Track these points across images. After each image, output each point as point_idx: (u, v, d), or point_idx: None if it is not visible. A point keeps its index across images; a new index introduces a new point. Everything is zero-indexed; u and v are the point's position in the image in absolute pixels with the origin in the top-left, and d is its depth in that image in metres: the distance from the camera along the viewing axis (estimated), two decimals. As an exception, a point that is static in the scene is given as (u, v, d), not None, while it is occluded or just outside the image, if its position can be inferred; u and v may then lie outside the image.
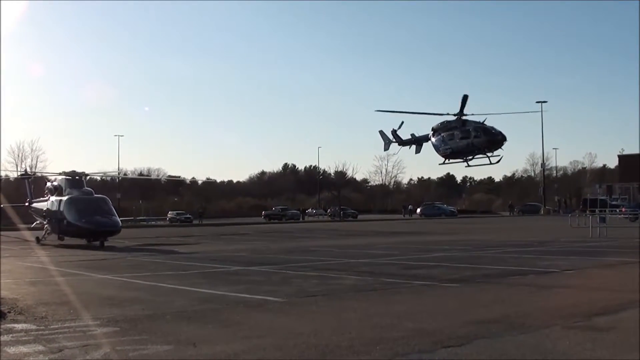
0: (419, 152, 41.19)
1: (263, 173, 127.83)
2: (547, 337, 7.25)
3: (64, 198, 29.14)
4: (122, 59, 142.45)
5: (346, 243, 27.73)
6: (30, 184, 37.81)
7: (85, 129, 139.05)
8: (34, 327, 8.31)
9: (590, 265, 16.20)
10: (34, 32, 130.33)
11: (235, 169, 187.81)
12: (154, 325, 8.28)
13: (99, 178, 64.44)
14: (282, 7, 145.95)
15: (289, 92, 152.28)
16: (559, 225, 42.56)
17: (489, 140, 35.60)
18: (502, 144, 35.94)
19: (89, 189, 30.92)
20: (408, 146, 41.93)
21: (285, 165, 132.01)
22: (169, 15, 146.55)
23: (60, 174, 32.15)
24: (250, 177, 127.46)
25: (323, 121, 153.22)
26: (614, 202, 59.35)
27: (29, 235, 32.12)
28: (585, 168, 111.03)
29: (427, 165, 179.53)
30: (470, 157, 37.40)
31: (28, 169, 58.91)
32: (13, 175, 73.67)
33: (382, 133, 43.48)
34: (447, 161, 38.80)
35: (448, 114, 36.61)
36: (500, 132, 35.66)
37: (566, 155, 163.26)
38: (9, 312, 9.41)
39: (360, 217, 77.48)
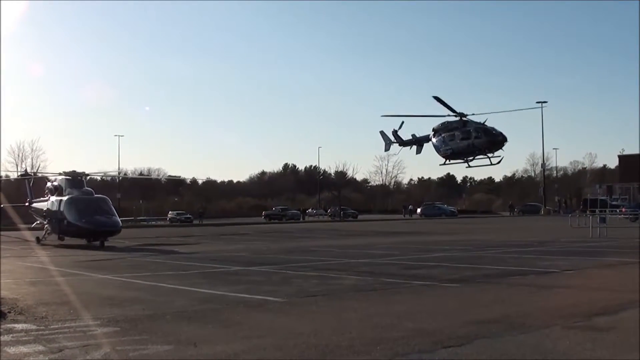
0: (419, 152, 41.20)
1: (263, 173, 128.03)
2: (547, 337, 7.26)
3: (64, 198, 29.15)
4: (122, 59, 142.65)
5: (346, 243, 27.74)
6: (31, 184, 37.79)
7: (85, 129, 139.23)
8: (34, 327, 8.32)
9: (591, 266, 16.21)
10: (34, 32, 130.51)
11: (236, 169, 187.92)
12: (154, 325, 8.28)
13: (99, 178, 64.49)
14: (282, 7, 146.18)
15: (289, 92, 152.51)
16: (559, 225, 42.56)
17: (489, 141, 35.58)
18: (503, 145, 35.92)
19: (89, 189, 30.93)
20: (409, 147, 41.91)
21: (286, 165, 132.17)
22: (169, 15, 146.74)
23: (60, 174, 32.17)
24: (250, 177, 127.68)
25: (323, 121, 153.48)
26: (614, 202, 59.36)
27: (29, 235, 32.13)
28: (585, 168, 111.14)
29: (428, 165, 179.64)
30: (471, 158, 37.38)
31: (28, 169, 58.99)
32: (13, 175, 73.86)
33: (382, 133, 43.47)
34: (447, 162, 38.79)
35: (449, 115, 36.61)
36: (501, 133, 35.65)
37: (566, 155, 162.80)
38: (9, 312, 9.42)
39: (360, 217, 77.48)
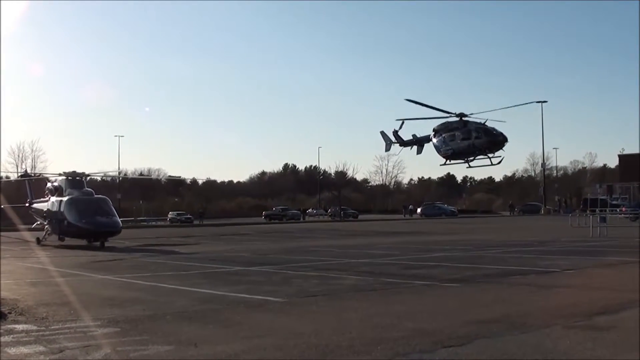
0: (420, 152, 41.15)
1: (263, 173, 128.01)
2: (547, 337, 7.26)
3: (65, 199, 29.15)
4: (122, 59, 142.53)
5: (346, 243, 27.74)
6: (31, 184, 37.79)
7: (85, 129, 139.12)
8: (34, 327, 8.32)
9: (591, 265, 16.21)
10: (34, 32, 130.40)
11: (236, 169, 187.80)
12: (154, 326, 8.29)
13: (99, 178, 64.52)
14: (282, 7, 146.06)
15: (289, 92, 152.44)
16: (559, 225, 42.56)
17: (490, 141, 35.57)
18: (503, 145, 35.90)
19: (89, 189, 30.93)
20: (409, 147, 41.89)
21: (286, 166, 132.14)
22: (169, 15, 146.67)
23: (60, 174, 32.17)
24: (250, 177, 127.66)
25: (323, 121, 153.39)
26: (614, 202, 59.36)
27: (29, 236, 32.12)
28: (585, 168, 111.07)
29: (428, 165, 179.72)
30: (472, 158, 37.36)
31: (28, 170, 58.99)
32: (13, 175, 73.83)
33: (383, 134, 43.41)
34: (448, 162, 38.77)
35: (451, 114, 36.53)
36: (502, 133, 35.63)
37: (566, 155, 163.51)
38: (10, 312, 9.42)
39: (360, 217, 77.47)
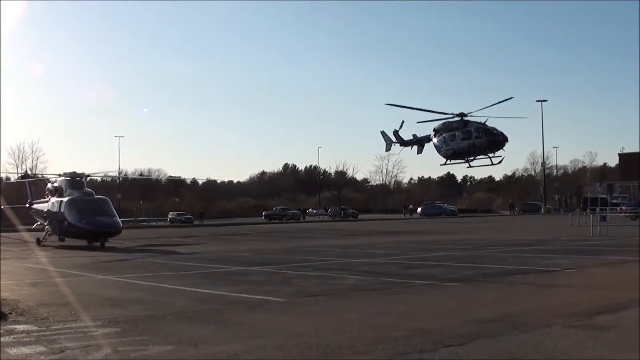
0: (420, 152, 41.16)
1: (263, 173, 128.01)
2: (548, 336, 7.26)
3: (65, 199, 29.15)
4: (122, 59, 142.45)
5: (347, 243, 27.74)
6: (31, 185, 37.79)
7: (85, 129, 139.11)
8: (35, 328, 8.32)
9: (591, 264, 16.21)
10: (34, 32, 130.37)
11: (236, 169, 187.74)
12: (155, 326, 8.29)
13: (99, 179, 64.47)
14: (282, 7, 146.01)
15: (289, 92, 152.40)
16: (559, 224, 42.55)
17: (490, 140, 35.57)
18: (504, 145, 35.91)
19: (89, 189, 30.93)
20: (410, 147, 41.89)
21: (286, 165, 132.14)
22: (169, 15, 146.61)
23: (60, 175, 32.16)
24: (250, 177, 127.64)
25: (323, 121, 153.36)
26: (614, 201, 59.31)
27: (29, 236, 32.14)
28: (585, 167, 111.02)
29: (428, 164, 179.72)
30: (472, 158, 37.37)
31: (28, 170, 58.98)
32: (14, 176, 73.82)
33: (383, 134, 43.41)
34: (448, 162, 38.79)
35: (452, 114, 36.58)
36: (502, 133, 35.64)
37: (566, 153, 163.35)
38: (10, 313, 9.42)
39: (360, 216, 77.46)
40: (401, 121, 41.12)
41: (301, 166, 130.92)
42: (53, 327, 8.31)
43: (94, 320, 8.68)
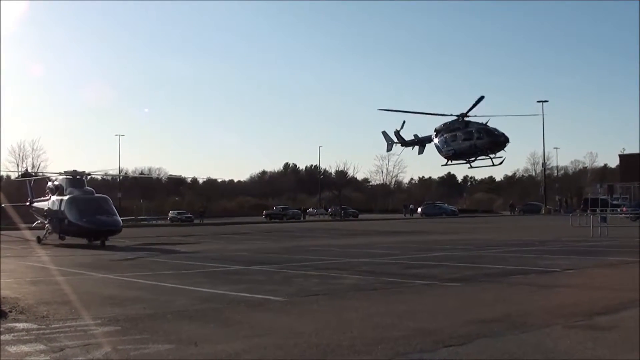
0: (421, 153, 41.07)
1: (264, 172, 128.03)
2: (548, 336, 7.26)
3: (65, 197, 29.15)
4: (122, 59, 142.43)
5: (347, 242, 27.74)
6: (31, 183, 37.80)
7: (86, 129, 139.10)
8: (35, 326, 8.32)
9: (591, 265, 16.20)
10: (34, 32, 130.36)
11: (236, 168, 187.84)
12: (155, 325, 8.29)
13: (99, 177, 64.45)
14: (282, 7, 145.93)
15: (289, 92, 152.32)
16: (559, 224, 42.55)
17: (491, 141, 35.52)
18: (505, 146, 35.84)
19: (90, 188, 30.94)
20: (411, 147, 41.87)
21: (286, 165, 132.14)
22: (169, 15, 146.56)
23: (61, 173, 32.17)
24: (251, 177, 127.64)
25: (324, 121, 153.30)
26: (614, 202, 59.27)
27: (29, 234, 32.14)
28: (586, 167, 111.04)
29: (428, 164, 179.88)
30: (473, 159, 37.34)
31: (29, 169, 58.99)
32: (14, 174, 73.88)
33: (384, 134, 43.34)
34: (449, 162, 38.76)
35: (451, 115, 36.55)
36: (503, 134, 35.59)
37: (567, 154, 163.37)
38: (11, 311, 9.42)
39: (361, 216, 77.46)
40: (402, 121, 41.13)
41: (302, 166, 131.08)
42: (53, 326, 8.31)
43: (94, 319, 8.68)
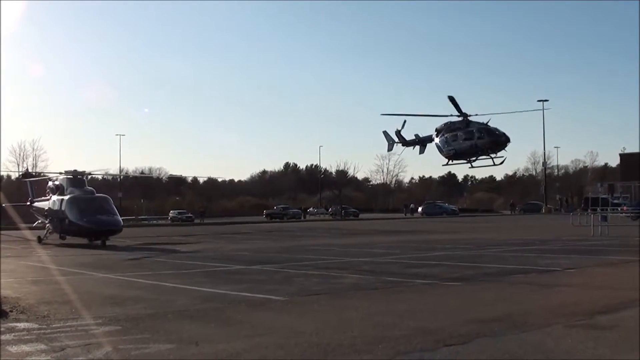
0: (422, 152, 41.11)
1: (264, 172, 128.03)
2: (549, 336, 7.26)
3: (66, 197, 29.16)
4: (122, 59, 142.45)
5: (347, 242, 27.74)
6: (32, 183, 37.81)
7: (86, 128, 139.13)
8: (36, 326, 8.32)
9: (592, 264, 16.20)
10: (34, 32, 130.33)
11: (237, 168, 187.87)
12: (156, 324, 8.29)
13: (100, 177, 64.49)
14: (282, 7, 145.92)
15: (289, 92, 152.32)
16: (560, 223, 42.53)
17: (492, 141, 35.52)
18: (506, 145, 35.85)
19: (90, 188, 30.94)
20: (412, 147, 41.87)
21: (287, 165, 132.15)
22: (169, 15, 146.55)
23: (61, 173, 32.18)
24: (251, 176, 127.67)
25: (324, 120, 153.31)
26: (615, 201, 59.22)
27: (30, 234, 32.15)
28: (586, 167, 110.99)
29: (429, 164, 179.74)
30: (474, 159, 37.34)
31: (29, 169, 59.00)
32: (15, 174, 73.93)
33: (385, 134, 43.36)
34: (450, 162, 38.76)
35: (452, 115, 36.56)
36: (504, 134, 35.59)
37: (568, 153, 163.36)
38: (11, 311, 9.43)
39: (361, 216, 77.47)
40: (403, 121, 41.14)
41: (302, 165, 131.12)
42: (54, 325, 8.31)
43: (95, 319, 8.68)
